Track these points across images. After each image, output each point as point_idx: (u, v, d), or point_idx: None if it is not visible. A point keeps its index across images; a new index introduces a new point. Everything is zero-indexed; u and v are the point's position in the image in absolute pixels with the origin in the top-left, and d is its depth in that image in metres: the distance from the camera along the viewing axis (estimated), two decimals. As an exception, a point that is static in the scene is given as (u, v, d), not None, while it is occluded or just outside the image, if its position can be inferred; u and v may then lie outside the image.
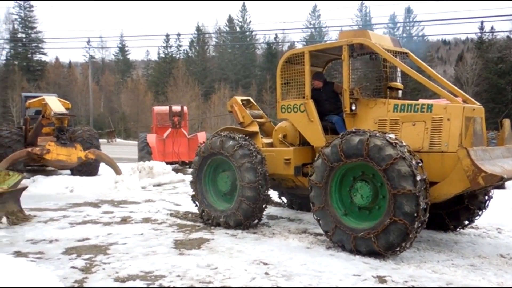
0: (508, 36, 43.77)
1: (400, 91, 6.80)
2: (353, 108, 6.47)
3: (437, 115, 5.70)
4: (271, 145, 7.73)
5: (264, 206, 6.98)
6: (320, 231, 6.88)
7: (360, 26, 60.38)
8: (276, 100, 7.35)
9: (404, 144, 5.34)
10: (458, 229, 6.82)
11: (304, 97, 6.90)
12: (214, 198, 7.39)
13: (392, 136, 5.45)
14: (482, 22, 45.37)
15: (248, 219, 6.81)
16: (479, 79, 41.44)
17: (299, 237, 6.46)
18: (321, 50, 7.10)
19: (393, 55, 6.41)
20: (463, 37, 73.84)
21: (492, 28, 46.60)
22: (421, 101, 6.81)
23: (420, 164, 5.26)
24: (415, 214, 5.05)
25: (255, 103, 8.84)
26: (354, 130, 5.66)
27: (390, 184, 5.15)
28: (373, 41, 6.35)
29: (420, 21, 59.70)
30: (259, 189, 6.69)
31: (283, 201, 9.09)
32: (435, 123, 5.71)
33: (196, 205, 7.52)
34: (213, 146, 7.08)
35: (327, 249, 5.82)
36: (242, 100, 8.54)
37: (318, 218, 5.93)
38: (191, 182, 7.58)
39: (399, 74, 6.85)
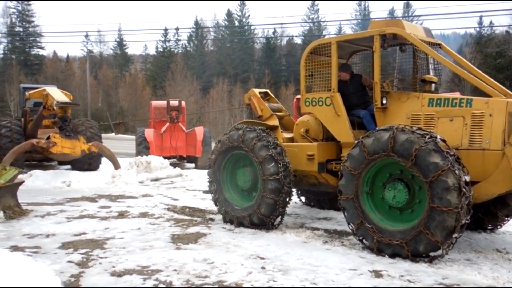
0: (507, 31, 43.65)
1: (433, 85, 6.29)
2: (384, 102, 6.14)
3: (478, 110, 5.34)
4: (291, 140, 7.32)
5: (288, 200, 6.59)
6: (317, 225, 6.94)
7: (359, 20, 60.18)
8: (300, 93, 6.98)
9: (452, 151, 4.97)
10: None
11: (330, 90, 6.56)
12: (233, 196, 7.05)
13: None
14: (481, 17, 45.36)
15: (270, 216, 6.44)
16: (478, 74, 41.36)
17: (296, 231, 6.47)
18: (349, 41, 6.75)
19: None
20: (461, 32, 73.71)
21: (491, 22, 46.56)
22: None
23: (467, 177, 4.89)
24: (452, 230, 4.79)
25: (273, 96, 8.45)
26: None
27: (431, 197, 4.81)
28: (407, 31, 5.98)
29: (419, 16, 59.52)
30: (282, 181, 6.33)
31: (301, 200, 8.82)
32: (475, 118, 5.35)
33: (217, 205, 7.22)
34: (232, 140, 6.74)
35: (324, 244, 5.84)
36: (260, 93, 8.15)
37: (344, 207, 5.62)
38: (209, 174, 7.21)
39: (431, 66, 6.45)
